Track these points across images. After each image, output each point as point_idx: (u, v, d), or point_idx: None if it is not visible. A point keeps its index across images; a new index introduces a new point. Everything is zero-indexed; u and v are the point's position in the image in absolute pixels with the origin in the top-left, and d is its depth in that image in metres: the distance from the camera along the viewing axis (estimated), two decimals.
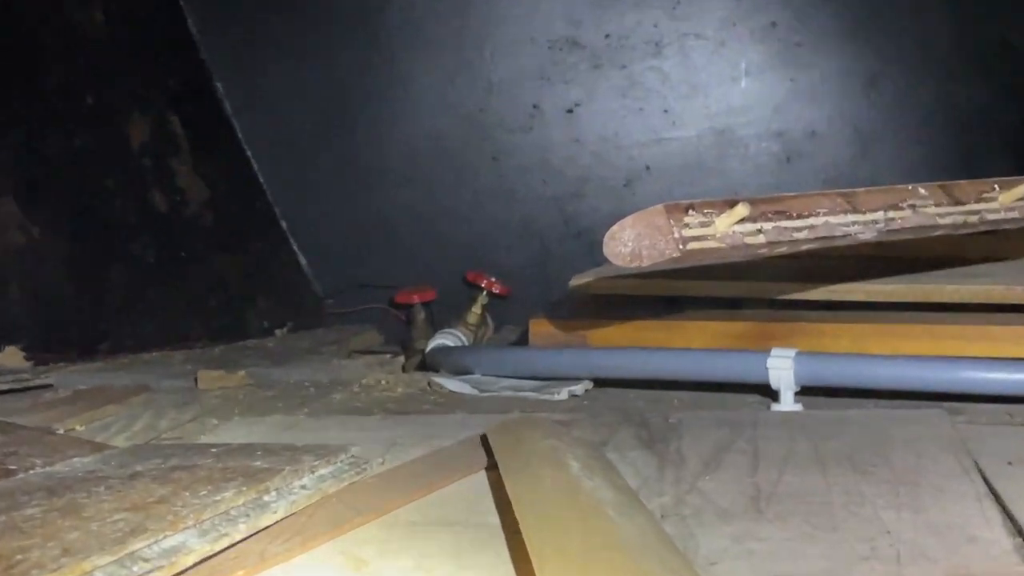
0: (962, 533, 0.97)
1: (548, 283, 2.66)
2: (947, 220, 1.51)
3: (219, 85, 2.77)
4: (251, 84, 2.79)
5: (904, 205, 1.47)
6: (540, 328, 1.92)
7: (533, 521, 0.93)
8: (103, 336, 2.38)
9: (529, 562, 0.86)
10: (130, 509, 0.93)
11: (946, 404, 1.48)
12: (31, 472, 1.15)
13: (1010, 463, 1.18)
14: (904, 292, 1.73)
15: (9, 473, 1.14)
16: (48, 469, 1.16)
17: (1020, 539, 0.96)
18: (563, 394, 1.69)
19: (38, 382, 1.88)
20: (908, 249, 1.86)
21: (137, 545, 0.85)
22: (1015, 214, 1.59)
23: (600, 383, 1.77)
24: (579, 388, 1.72)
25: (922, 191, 1.51)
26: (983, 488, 1.09)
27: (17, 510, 0.94)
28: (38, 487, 1.04)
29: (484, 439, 1.30)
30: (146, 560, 0.84)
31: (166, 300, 2.55)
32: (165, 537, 0.88)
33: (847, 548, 0.94)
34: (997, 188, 1.59)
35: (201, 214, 2.69)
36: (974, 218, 1.55)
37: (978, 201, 1.56)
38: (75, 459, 1.21)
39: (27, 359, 2.14)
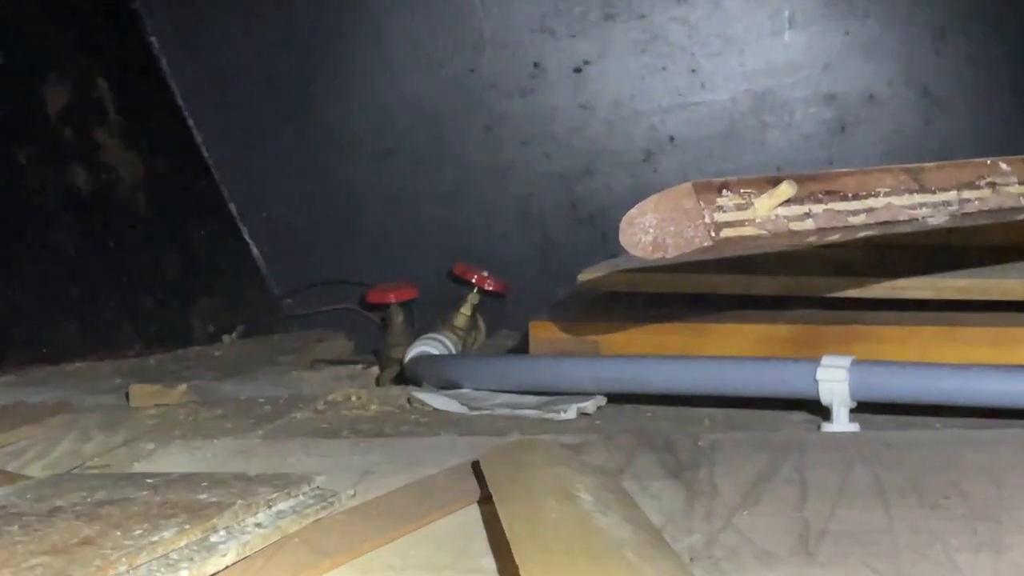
0: None
1: (552, 278, 2.66)
2: None
3: (154, 40, 2.77)
4: (193, 40, 2.79)
5: (982, 183, 1.47)
6: (543, 332, 1.92)
7: (535, 566, 0.93)
8: (15, 343, 2.37)
9: None
10: (50, 552, 0.93)
11: None
12: None
13: None
14: (982, 288, 1.73)
15: None
16: None
17: None
18: (571, 412, 1.69)
19: None
20: (987, 236, 1.86)
21: None
22: None
23: (615, 398, 1.77)
24: (590, 405, 1.72)
25: (1004, 166, 1.50)
26: None
27: None
28: None
29: (476, 466, 1.30)
30: None
31: (91, 300, 2.55)
32: None
33: None
34: None
35: (133, 196, 2.69)
36: None
37: None
38: None
39: None
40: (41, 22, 2.58)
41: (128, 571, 0.91)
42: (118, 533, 0.98)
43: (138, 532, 0.98)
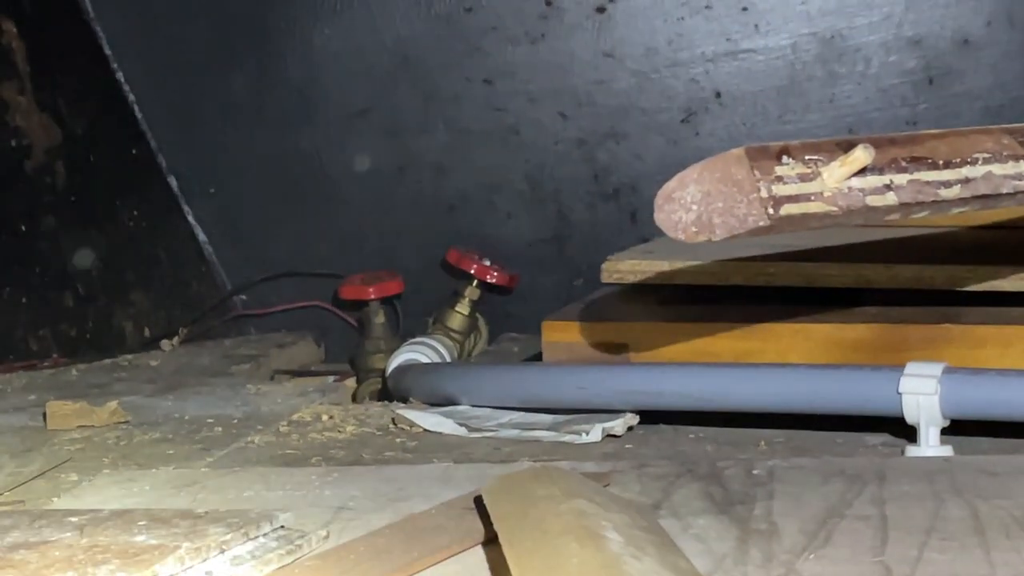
0: None
1: (570, 268, 2.67)
2: None
3: None
4: None
5: None
6: (558, 335, 1.93)
7: None
8: None
9: None
10: None
11: None
12: None
13: None
14: None
15: None
16: None
17: None
18: (595, 434, 1.70)
19: None
20: None
21: None
22: None
23: (649, 416, 1.77)
24: (619, 425, 1.73)
25: None
26: None
27: None
28: None
29: (478, 501, 1.31)
30: None
31: None
32: None
33: None
34: None
35: (48, 166, 2.70)
36: None
37: None
38: None
39: None
40: None
41: None
42: None
43: None
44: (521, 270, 2.69)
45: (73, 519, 1.19)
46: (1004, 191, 1.40)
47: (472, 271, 2.60)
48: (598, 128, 2.76)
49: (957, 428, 1.56)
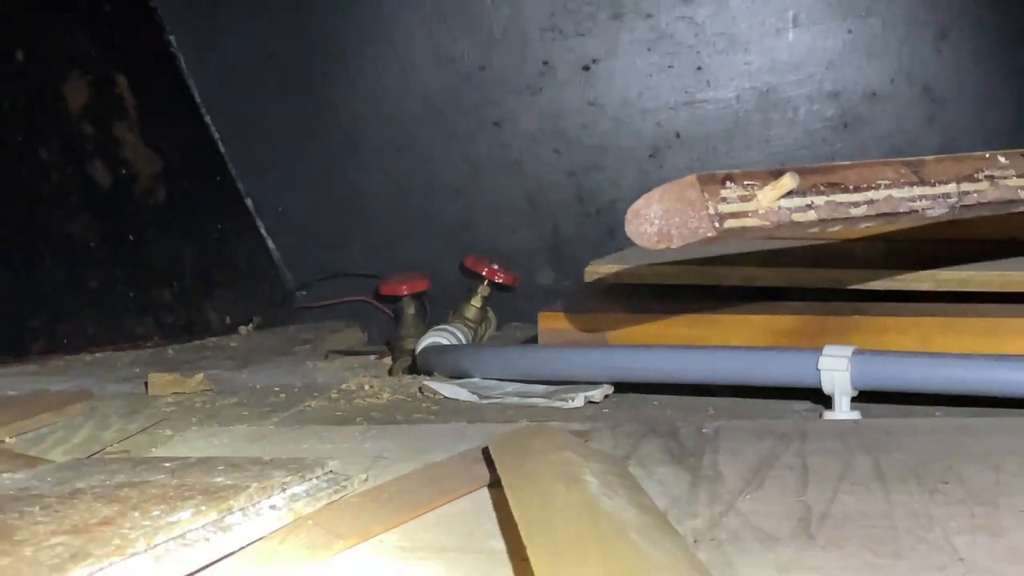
0: None
1: (561, 271, 2.67)
2: None
3: (172, 39, 2.77)
4: (210, 39, 2.79)
5: (981, 176, 1.47)
6: (551, 324, 1.93)
7: (543, 546, 0.93)
8: (36, 334, 2.38)
9: None
10: (70, 532, 0.93)
11: None
12: None
13: None
14: (983, 280, 1.73)
15: None
16: None
17: None
18: (579, 400, 1.70)
19: None
20: (987, 229, 1.86)
21: (78, 573, 0.85)
22: None
23: (622, 387, 1.77)
24: (597, 393, 1.73)
25: (1003, 159, 1.50)
26: None
27: None
28: None
29: (486, 452, 1.30)
30: None
31: (110, 292, 2.55)
32: (111, 564, 0.88)
33: None
34: None
35: (151, 190, 2.69)
36: None
37: None
38: (4, 475, 1.21)
39: None
40: (61, 21, 2.58)
41: (146, 550, 0.91)
42: (136, 514, 0.98)
43: (156, 513, 0.99)
44: (522, 272, 2.68)
45: (167, 464, 1.19)
46: (901, 210, 1.39)
47: (484, 273, 2.59)
48: (584, 161, 2.75)
49: (864, 397, 1.56)
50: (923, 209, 1.41)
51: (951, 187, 1.43)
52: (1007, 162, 1.50)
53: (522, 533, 0.98)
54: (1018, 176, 1.50)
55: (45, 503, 1.03)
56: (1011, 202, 1.49)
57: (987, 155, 1.51)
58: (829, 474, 1.23)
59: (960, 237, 1.92)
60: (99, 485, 1.10)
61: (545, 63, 2.73)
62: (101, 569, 0.87)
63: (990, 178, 1.48)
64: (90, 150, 2.59)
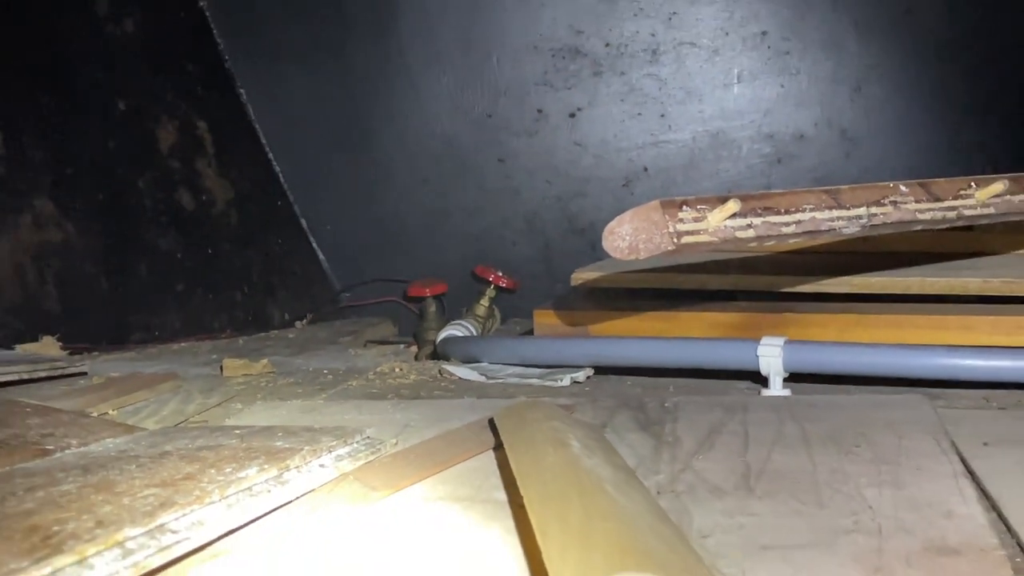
0: (940, 509, 0.97)
1: (552, 277, 2.67)
2: (927, 216, 1.51)
3: (242, 92, 2.78)
4: (272, 91, 2.80)
5: (886, 201, 1.47)
6: (544, 319, 1.93)
7: (536, 496, 0.93)
8: (134, 327, 2.39)
9: (533, 535, 0.86)
10: (159, 485, 0.94)
11: (926, 389, 1.49)
12: (67, 452, 1.15)
13: (986, 444, 1.18)
14: (887, 285, 1.73)
15: (46, 453, 1.15)
16: (83, 449, 1.16)
17: (995, 514, 0.96)
18: (566, 381, 1.70)
19: (73, 369, 1.89)
20: (890, 243, 1.87)
21: (166, 518, 0.85)
22: (991, 210, 1.59)
23: (600, 371, 1.77)
24: (581, 375, 1.73)
25: (903, 188, 1.51)
26: (960, 467, 1.09)
27: (54, 486, 0.95)
28: (73, 465, 1.04)
29: (491, 422, 1.31)
30: (174, 532, 0.85)
31: (193, 293, 2.56)
32: (192, 511, 0.88)
33: (831, 523, 0.95)
34: (974, 185, 1.59)
35: (225, 212, 2.70)
36: (952, 214, 1.55)
37: (956, 198, 1.55)
38: (108, 440, 1.21)
39: (63, 348, 2.15)
40: (154, 77, 2.59)
41: (220, 499, 0.92)
42: (212, 471, 0.99)
43: (228, 470, 0.99)
44: (521, 278, 2.68)
45: (237, 431, 1.19)
46: (822, 229, 1.39)
47: (491, 279, 2.60)
48: (570, 190, 2.75)
49: (793, 378, 1.56)
50: (840, 228, 1.41)
51: (862, 210, 1.44)
52: (907, 190, 1.51)
53: (519, 485, 0.98)
54: (916, 201, 1.50)
55: (140, 462, 1.04)
56: (910, 222, 1.49)
57: (891, 184, 1.51)
58: (765, 439, 1.23)
59: (870, 250, 1.92)
60: (183, 448, 1.10)
61: (539, 111, 2.74)
62: (184, 515, 0.87)
63: (893, 203, 1.48)
64: (177, 181, 2.59)
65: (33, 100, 2.30)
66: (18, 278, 2.18)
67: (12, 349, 2.08)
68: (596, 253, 2.46)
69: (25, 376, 1.78)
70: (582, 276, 1.99)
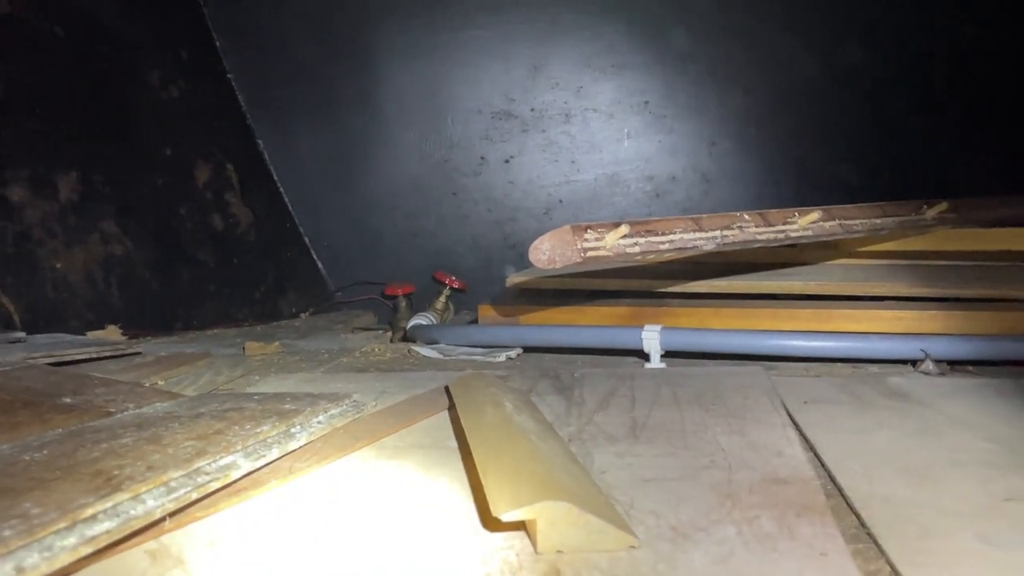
0: (773, 450, 0.98)
1: (492, 281, 2.66)
2: (763, 236, 1.53)
3: (260, 142, 2.74)
4: (283, 141, 2.77)
5: (734, 226, 1.49)
6: (486, 312, 1.93)
7: (479, 444, 0.93)
8: (178, 318, 2.34)
9: (476, 472, 0.86)
10: (196, 438, 0.92)
11: (764, 363, 1.51)
12: (125, 413, 1.13)
13: (805, 402, 1.20)
14: (735, 286, 1.75)
15: (109, 414, 1.12)
16: (138, 411, 1.14)
17: (812, 454, 0.98)
18: (502, 357, 1.70)
19: (131, 350, 1.85)
20: (738, 256, 1.89)
21: (201, 463, 0.84)
22: (809, 232, 1.62)
23: (528, 350, 1.77)
24: (513, 353, 1.73)
25: (746, 216, 1.53)
26: (787, 419, 1.11)
27: (115, 440, 0.93)
28: (130, 424, 1.02)
29: (447, 389, 1.30)
30: (207, 474, 0.83)
31: (222, 293, 2.52)
32: (221, 458, 0.87)
33: (695, 461, 0.96)
34: (797, 215, 1.61)
35: (248, 232, 2.66)
36: (781, 235, 1.57)
37: (784, 224, 1.58)
38: (157, 404, 1.19)
39: (123, 334, 2.11)
40: (194, 130, 2.54)
41: (242, 449, 0.90)
42: (236, 427, 0.97)
43: (248, 426, 0.97)
44: (470, 281, 2.68)
45: (256, 397, 1.17)
46: (689, 246, 1.41)
47: (447, 282, 2.59)
48: (505, 216, 2.75)
49: (669, 355, 1.57)
50: (701, 245, 1.43)
51: (717, 232, 1.46)
52: (749, 218, 1.53)
53: (467, 437, 0.98)
54: (755, 226, 1.53)
55: (181, 421, 1.02)
56: (751, 241, 1.52)
57: (738, 214, 1.53)
58: (647, 400, 1.24)
59: (723, 261, 1.94)
60: (214, 410, 1.09)
61: (482, 158, 2.73)
62: (214, 460, 0.86)
63: (739, 227, 1.50)
64: (210, 208, 2.55)
65: (101, 148, 2.25)
66: (89, 282, 2.13)
67: (84, 335, 2.04)
68: (524, 263, 2.47)
69: (94, 355, 1.74)
70: (514, 280, 1.99)
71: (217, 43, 2.71)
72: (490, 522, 0.77)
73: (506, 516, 0.71)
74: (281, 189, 2.78)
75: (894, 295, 1.63)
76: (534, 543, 0.73)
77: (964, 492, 0.83)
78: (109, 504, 0.72)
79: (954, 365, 1.43)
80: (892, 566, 0.69)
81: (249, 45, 2.72)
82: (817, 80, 2.57)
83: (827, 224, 1.62)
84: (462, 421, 1.05)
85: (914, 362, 1.43)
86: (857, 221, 1.68)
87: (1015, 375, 1.36)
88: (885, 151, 2.55)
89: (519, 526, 0.77)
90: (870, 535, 0.75)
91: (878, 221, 1.72)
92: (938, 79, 2.51)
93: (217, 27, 2.70)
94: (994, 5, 2.44)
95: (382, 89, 2.73)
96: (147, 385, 1.48)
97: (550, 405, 1.23)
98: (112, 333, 2.10)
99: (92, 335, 2.06)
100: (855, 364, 1.49)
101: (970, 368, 1.42)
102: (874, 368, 1.45)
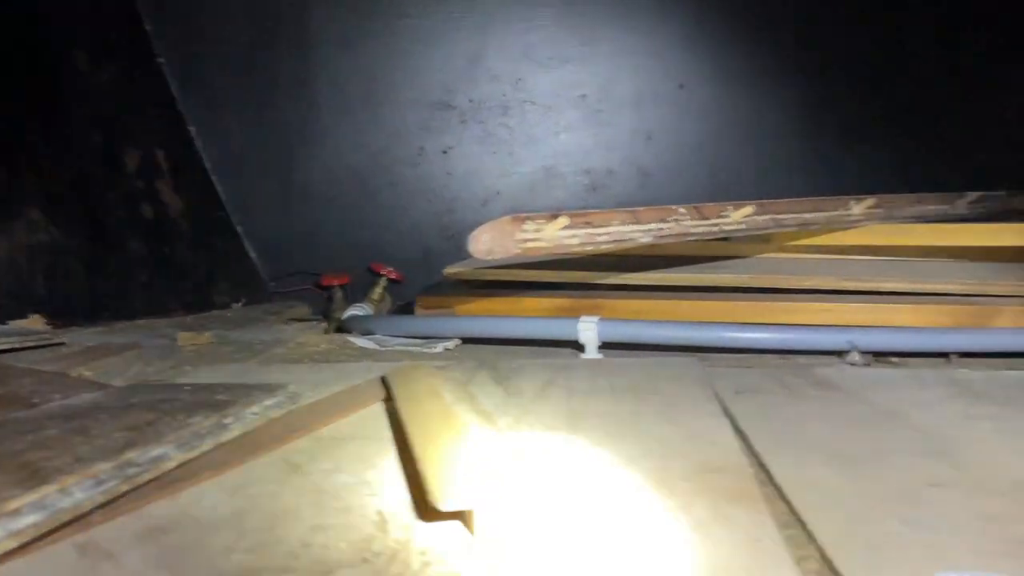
0: (706, 439, 1.00)
1: (430, 271, 2.64)
2: (698, 230, 1.55)
3: (192, 129, 2.67)
4: (215, 128, 2.70)
5: (669, 219, 1.51)
6: (423, 303, 1.92)
7: (419, 434, 0.93)
8: (106, 308, 2.28)
9: (411, 460, 0.85)
10: (126, 429, 0.90)
11: (698, 354, 1.53)
12: (51, 404, 1.09)
13: (738, 392, 1.23)
14: (670, 279, 1.77)
15: (34, 405, 1.09)
16: (64, 402, 1.10)
17: (743, 442, 1.00)
18: (439, 348, 1.69)
19: (56, 340, 1.80)
20: (673, 250, 1.91)
21: (131, 455, 0.82)
22: (743, 226, 1.64)
23: (466, 341, 1.77)
24: (451, 344, 1.72)
25: (681, 210, 1.55)
26: (720, 408, 1.13)
27: (41, 431, 0.90)
28: (57, 415, 0.99)
29: (383, 379, 1.29)
30: (138, 465, 0.81)
31: (153, 282, 2.46)
32: (151, 449, 0.85)
33: (631, 450, 0.97)
34: (731, 209, 1.64)
35: (179, 221, 2.60)
36: (715, 229, 1.60)
37: (718, 218, 1.61)
38: (85, 394, 1.15)
39: (47, 324, 2.04)
40: (123, 115, 2.48)
41: (174, 440, 0.88)
42: (168, 418, 0.95)
43: (181, 417, 0.95)
44: (407, 272, 2.66)
45: (187, 388, 1.15)
46: (625, 239, 1.42)
47: (383, 272, 2.57)
48: (444, 207, 2.74)
49: (605, 346, 1.58)
50: (638, 238, 1.44)
51: (653, 225, 1.47)
52: (684, 212, 1.55)
53: (406, 428, 0.97)
54: (690, 220, 1.55)
55: (111, 412, 0.99)
56: (686, 234, 1.54)
57: (673, 207, 1.55)
58: (584, 390, 1.25)
59: (659, 254, 1.96)
60: (145, 400, 1.06)
61: (421, 148, 2.71)
62: (145, 452, 0.84)
63: (675, 220, 1.52)
64: (140, 196, 2.49)
65: (26, 134, 2.17)
66: (12, 270, 2.05)
67: (5, 324, 1.97)
68: (462, 254, 2.45)
69: (17, 345, 1.68)
70: (452, 271, 1.99)
71: (147, 27, 2.63)
72: (426, 512, 0.76)
73: (446, 507, 0.71)
74: (214, 177, 2.72)
75: (823, 288, 1.67)
76: (470, 531, 0.73)
77: (889, 479, 0.86)
78: (35, 497, 0.70)
79: (878, 356, 1.47)
80: (822, 551, 0.71)
81: (181, 29, 2.65)
82: (751, 74, 2.62)
83: (760, 218, 1.65)
84: (401, 412, 1.04)
85: (841, 353, 1.47)
86: (789, 216, 1.71)
87: (935, 366, 1.41)
88: (815, 146, 2.61)
89: (456, 515, 0.76)
90: (800, 521, 0.77)
91: (809, 216, 1.76)
92: (861, 80, 2.58)
93: (147, 10, 2.63)
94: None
95: (319, 76, 2.69)
96: (74, 375, 1.44)
97: (489, 395, 1.23)
98: (36, 323, 2.03)
99: (14, 324, 1.99)
100: (785, 355, 1.52)
101: (893, 359, 1.47)
102: (803, 359, 1.49)
